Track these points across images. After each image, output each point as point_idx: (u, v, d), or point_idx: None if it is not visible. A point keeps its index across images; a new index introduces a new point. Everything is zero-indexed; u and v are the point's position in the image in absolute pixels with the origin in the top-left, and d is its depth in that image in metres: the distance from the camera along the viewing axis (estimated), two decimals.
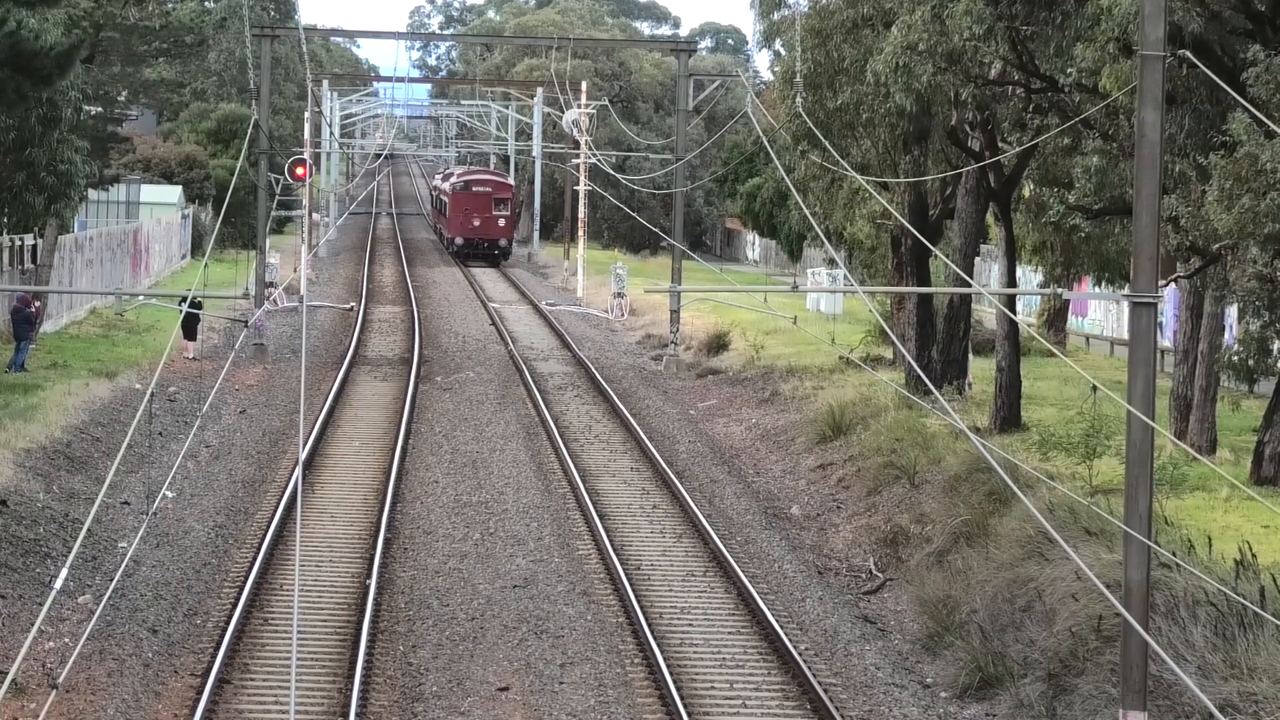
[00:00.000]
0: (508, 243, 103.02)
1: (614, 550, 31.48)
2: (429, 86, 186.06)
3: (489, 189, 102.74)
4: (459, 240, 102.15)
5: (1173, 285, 37.68)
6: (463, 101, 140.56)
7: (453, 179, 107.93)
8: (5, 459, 33.99)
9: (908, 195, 47.12)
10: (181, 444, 39.26)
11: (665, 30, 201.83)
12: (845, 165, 38.45)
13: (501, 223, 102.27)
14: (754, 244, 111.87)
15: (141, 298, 56.68)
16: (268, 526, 32.40)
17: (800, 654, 25.81)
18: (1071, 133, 33.90)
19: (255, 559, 30.03)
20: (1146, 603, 19.56)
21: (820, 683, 24.61)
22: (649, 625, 26.83)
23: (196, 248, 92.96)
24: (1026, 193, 44.46)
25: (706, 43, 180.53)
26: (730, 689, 24.67)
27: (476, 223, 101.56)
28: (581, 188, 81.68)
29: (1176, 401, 37.33)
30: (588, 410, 48.10)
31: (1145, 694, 19.50)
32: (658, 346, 62.64)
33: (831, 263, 71.29)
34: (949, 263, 36.64)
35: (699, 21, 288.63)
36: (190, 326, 53.88)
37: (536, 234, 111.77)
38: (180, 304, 48.23)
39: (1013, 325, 40.68)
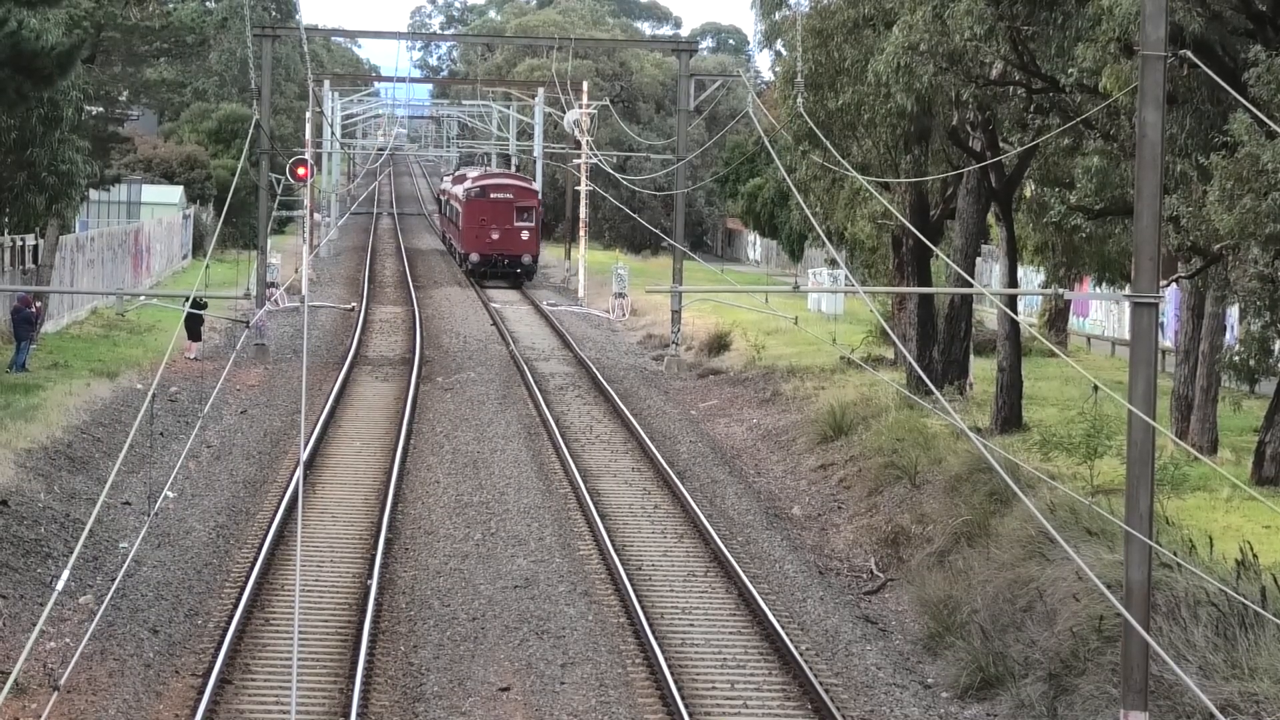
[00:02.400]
0: (532, 259, 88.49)
1: (615, 550, 31.49)
2: (430, 86, 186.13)
3: (510, 195, 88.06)
4: (474, 257, 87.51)
5: (1174, 285, 37.68)
6: (464, 101, 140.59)
7: (466, 183, 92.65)
8: (6, 459, 34.00)
9: (909, 195, 47.13)
10: (183, 444, 39.28)
11: (666, 30, 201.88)
12: (846, 165, 38.45)
13: (525, 235, 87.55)
14: (755, 244, 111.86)
15: (143, 298, 56.69)
16: (269, 527, 32.41)
17: (801, 654, 25.82)
18: (1073, 133, 33.90)
19: (256, 559, 30.04)
20: (1147, 603, 19.57)
21: (821, 683, 24.63)
22: (650, 625, 26.85)
23: (198, 248, 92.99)
24: (1028, 193, 44.46)
25: (708, 43, 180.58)
26: (731, 689, 24.68)
27: (495, 236, 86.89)
28: (582, 188, 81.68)
29: (1178, 402, 37.33)
30: (589, 410, 48.11)
31: (1146, 694, 19.51)
32: (659, 347, 62.63)
33: (833, 263, 71.27)
34: (950, 263, 36.64)
35: (700, 22, 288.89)
36: (194, 327, 53.92)
37: None
38: (184, 303, 48.31)
39: (1014, 325, 40.69)
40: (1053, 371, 48.21)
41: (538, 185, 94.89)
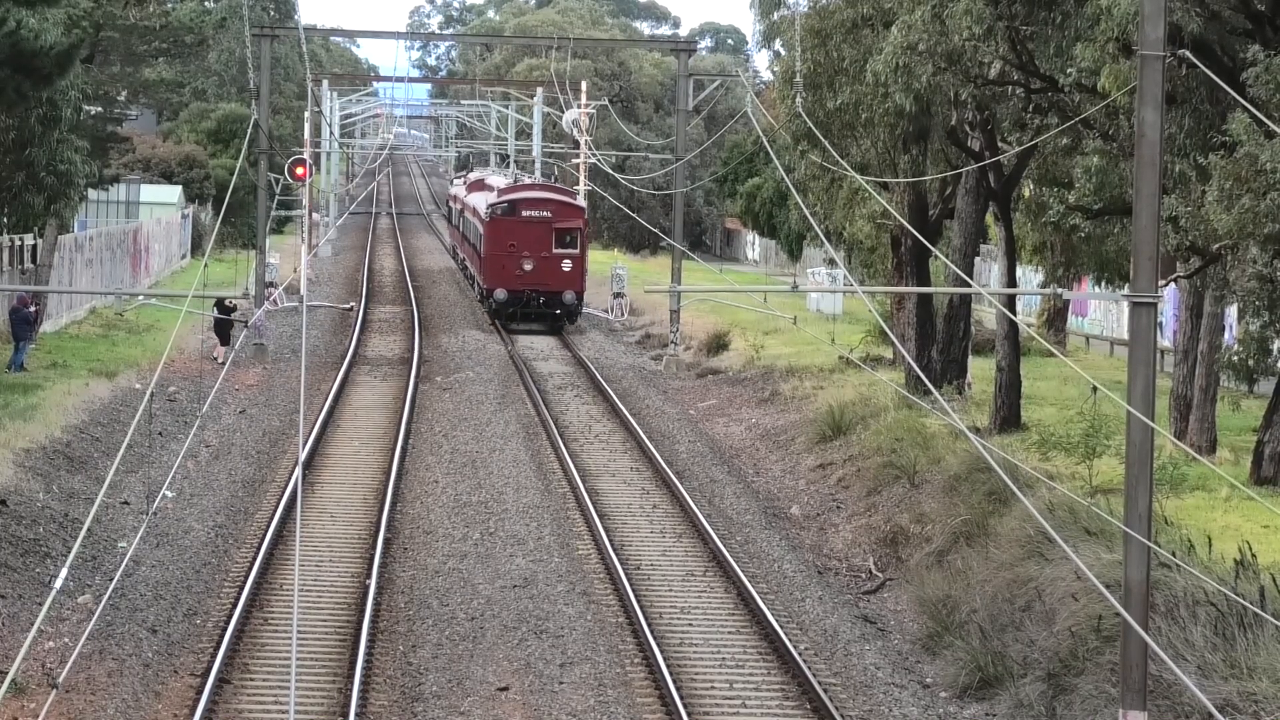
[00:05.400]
0: (576, 297, 67.83)
1: (614, 550, 31.49)
2: (429, 86, 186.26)
3: (547, 213, 68.21)
4: (500, 294, 67.35)
5: (1172, 285, 37.68)
6: (462, 101, 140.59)
7: (489, 195, 74.12)
8: (5, 459, 33.99)
9: (907, 195, 47.13)
10: (181, 444, 39.27)
11: (665, 30, 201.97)
12: (845, 165, 38.47)
13: (567, 266, 67.44)
14: (754, 244, 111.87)
15: (141, 298, 56.69)
16: (267, 526, 32.41)
17: (800, 654, 25.82)
18: (1071, 133, 33.90)
19: (255, 559, 30.05)
20: (1146, 603, 19.57)
21: (820, 682, 24.63)
22: (649, 625, 26.85)
23: (196, 247, 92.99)
24: (1026, 193, 44.46)
25: (706, 42, 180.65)
26: (730, 689, 24.69)
27: (528, 266, 67.05)
28: (581, 187, 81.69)
29: (1176, 401, 37.33)
30: (587, 410, 48.11)
31: (1145, 694, 19.51)
32: (658, 346, 62.63)
33: (831, 263, 71.28)
34: (949, 263, 36.67)
35: (699, 21, 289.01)
36: (223, 330, 54.05)
37: None
38: (212, 308, 48.50)
39: (1012, 325, 40.68)
40: (1051, 371, 48.20)
41: (582, 200, 74.11)
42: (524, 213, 68.21)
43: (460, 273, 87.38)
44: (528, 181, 78.96)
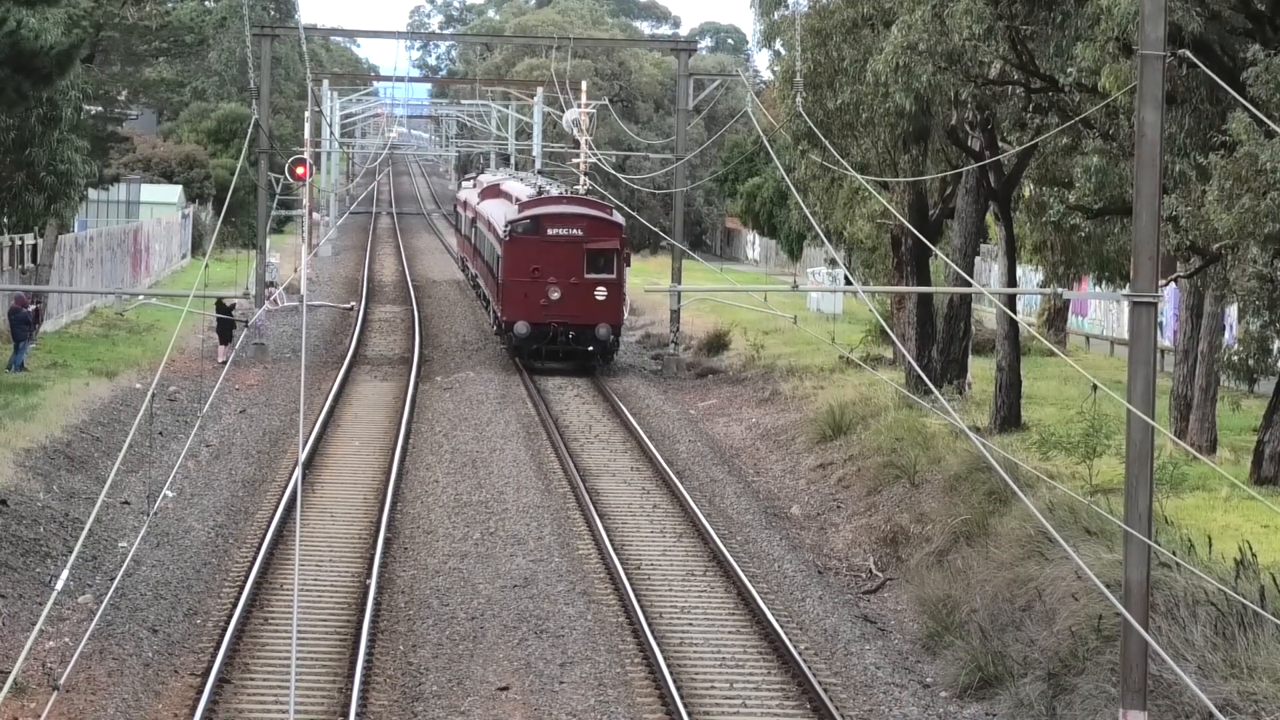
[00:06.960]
0: (612, 332, 56.26)
1: (614, 550, 31.50)
2: (429, 86, 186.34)
3: (579, 231, 56.38)
4: (521, 327, 55.56)
5: (1173, 285, 37.69)
6: (463, 101, 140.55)
7: (510, 208, 60.71)
8: (5, 459, 33.99)
9: (907, 195, 47.14)
10: (182, 444, 39.29)
11: (665, 30, 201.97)
12: (845, 165, 38.49)
13: (602, 294, 55.72)
14: (754, 243, 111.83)
15: (141, 297, 56.68)
16: (268, 526, 32.43)
17: (800, 653, 25.83)
18: (1071, 132, 33.89)
19: (255, 558, 30.06)
20: (1146, 602, 19.57)
21: (820, 682, 24.64)
22: (649, 625, 26.86)
23: (196, 247, 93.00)
24: (1026, 192, 44.46)
25: (706, 42, 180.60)
26: (730, 688, 24.70)
27: (555, 295, 55.44)
28: (581, 187, 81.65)
29: (1176, 401, 37.34)
30: (588, 410, 48.12)
31: (1145, 693, 19.51)
32: (658, 346, 62.61)
33: (832, 262, 71.27)
34: (949, 262, 36.70)
35: (699, 21, 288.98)
36: (225, 330, 54.08)
37: None
38: (215, 309, 48.57)
39: (1013, 325, 40.68)
40: (1051, 371, 48.21)
41: (619, 215, 59.91)
42: (550, 230, 56.36)
43: (472, 290, 77.97)
44: (554, 192, 64.24)
